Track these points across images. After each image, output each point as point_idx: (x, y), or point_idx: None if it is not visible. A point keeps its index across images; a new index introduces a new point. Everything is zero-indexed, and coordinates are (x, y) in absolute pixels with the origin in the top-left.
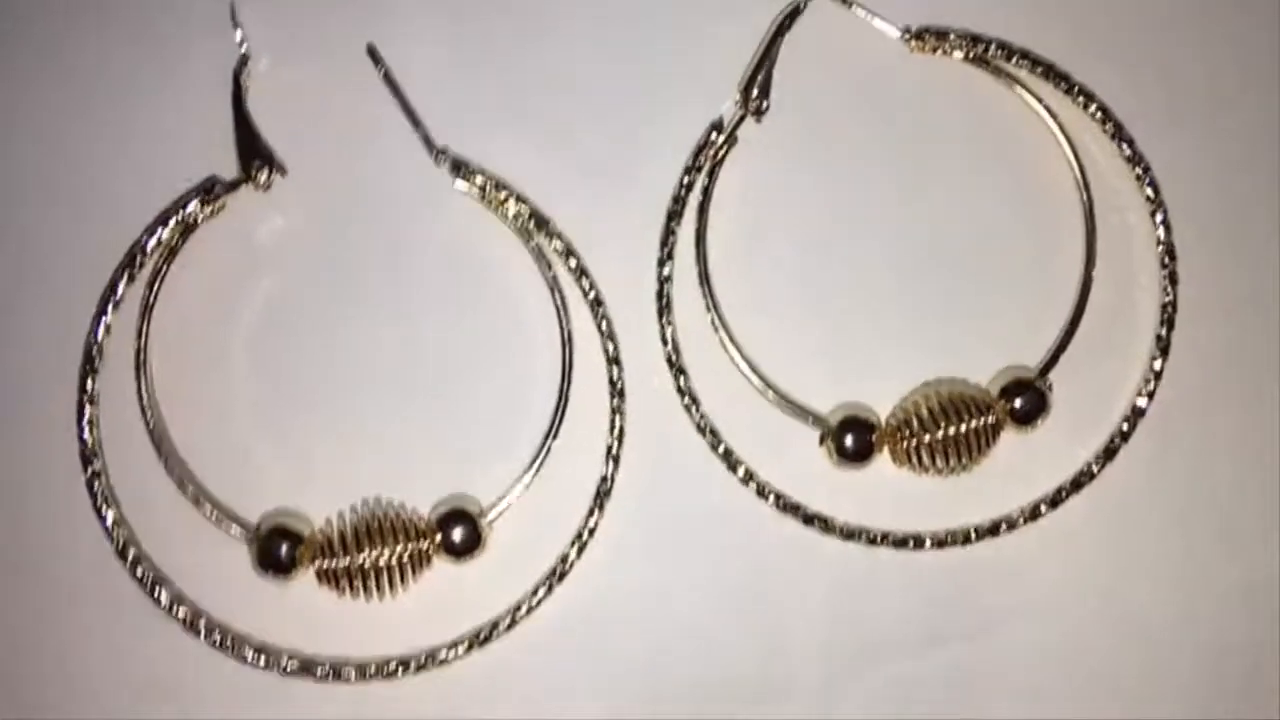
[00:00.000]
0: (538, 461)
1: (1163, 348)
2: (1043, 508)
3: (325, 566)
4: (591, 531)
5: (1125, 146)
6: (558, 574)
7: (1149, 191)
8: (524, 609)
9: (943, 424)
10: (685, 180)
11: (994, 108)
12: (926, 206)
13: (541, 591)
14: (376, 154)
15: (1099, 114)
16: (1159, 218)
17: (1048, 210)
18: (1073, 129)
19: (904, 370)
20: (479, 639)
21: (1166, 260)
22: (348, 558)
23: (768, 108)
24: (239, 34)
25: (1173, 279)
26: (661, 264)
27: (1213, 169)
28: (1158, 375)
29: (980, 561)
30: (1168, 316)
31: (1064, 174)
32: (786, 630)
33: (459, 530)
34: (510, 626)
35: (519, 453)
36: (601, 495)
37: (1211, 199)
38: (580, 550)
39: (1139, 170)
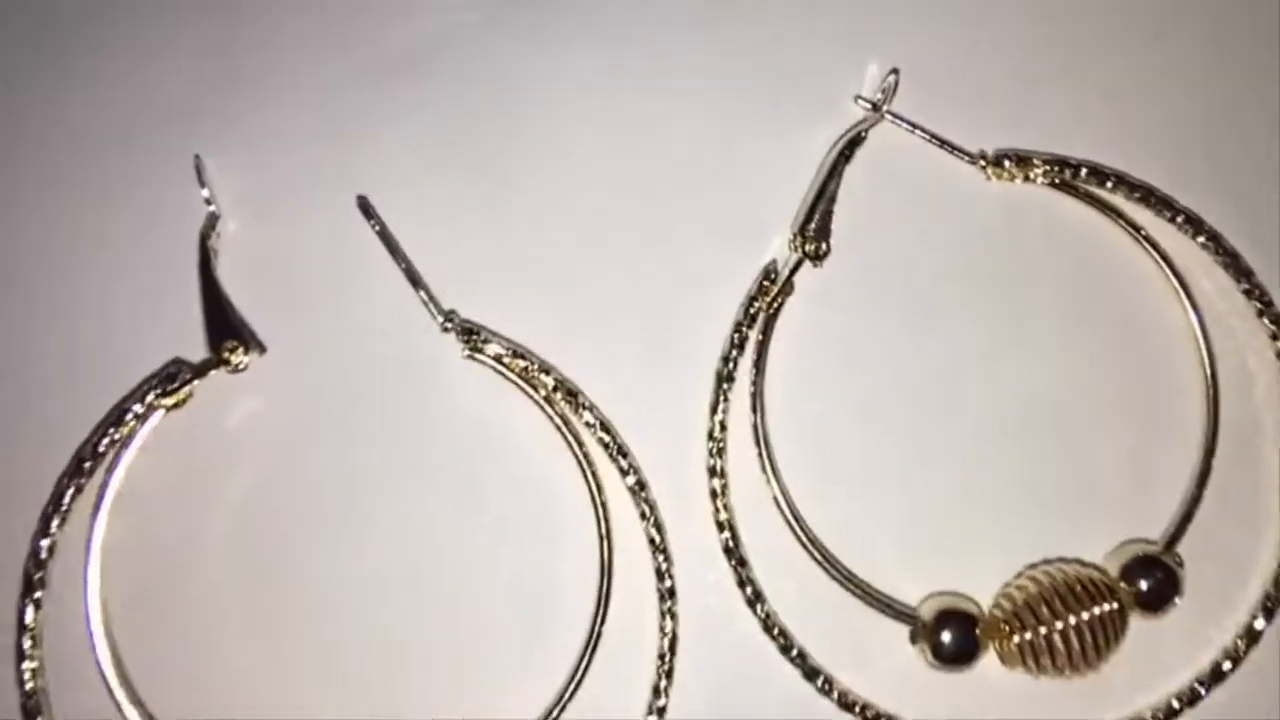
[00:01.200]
0: (573, 683)
1: None
2: (1176, 703)
3: None
4: None
5: (1242, 279)
6: None
7: (1272, 328)
8: None
9: (1062, 613)
10: (736, 337)
11: (1088, 240)
12: (1017, 357)
13: None
14: (370, 322)
15: (1210, 243)
16: None
17: (1157, 356)
18: (1181, 262)
19: (1004, 552)
20: None
21: None
22: None
23: (828, 251)
24: (205, 191)
25: None
26: (712, 436)
27: None
28: None
29: None
30: None
31: (1173, 313)
32: None
33: None
34: None
35: (552, 676)
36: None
37: None
38: None
39: (1259, 305)
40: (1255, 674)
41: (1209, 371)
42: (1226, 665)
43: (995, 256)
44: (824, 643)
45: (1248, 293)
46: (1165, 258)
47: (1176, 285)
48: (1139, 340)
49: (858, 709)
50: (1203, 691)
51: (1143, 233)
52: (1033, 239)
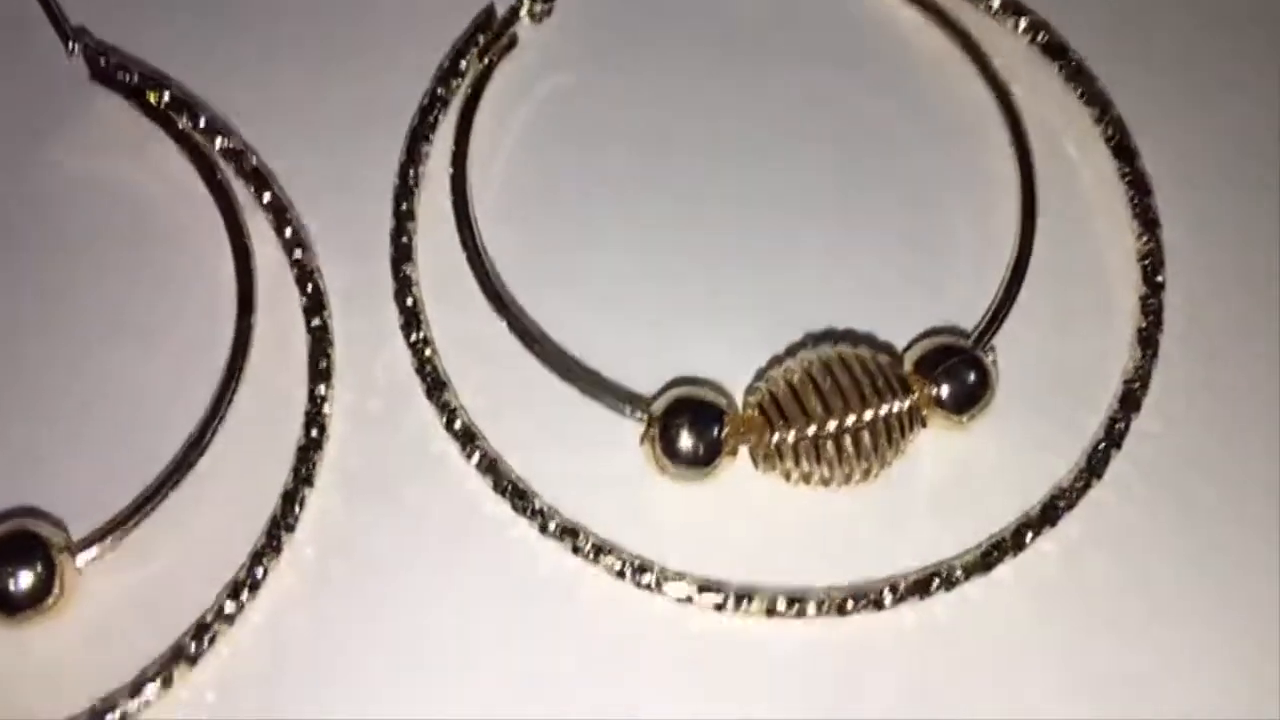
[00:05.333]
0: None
1: (1150, 311)
2: (996, 551)
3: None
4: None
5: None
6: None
7: (1094, 112)
8: None
9: (835, 405)
10: (439, 91)
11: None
12: (794, 112)
13: None
14: None
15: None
16: (1114, 139)
17: (965, 131)
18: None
19: (769, 340)
20: None
21: (1135, 197)
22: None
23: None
24: None
25: (1146, 221)
26: (400, 199)
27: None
28: (1147, 351)
29: (896, 635)
30: (1148, 269)
31: (979, 91)
32: None
33: None
34: None
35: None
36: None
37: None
38: None
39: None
40: (1097, 516)
41: (1021, 148)
42: (1059, 504)
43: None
44: (524, 444)
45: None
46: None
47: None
48: (933, 97)
49: (557, 529)
50: (1027, 538)
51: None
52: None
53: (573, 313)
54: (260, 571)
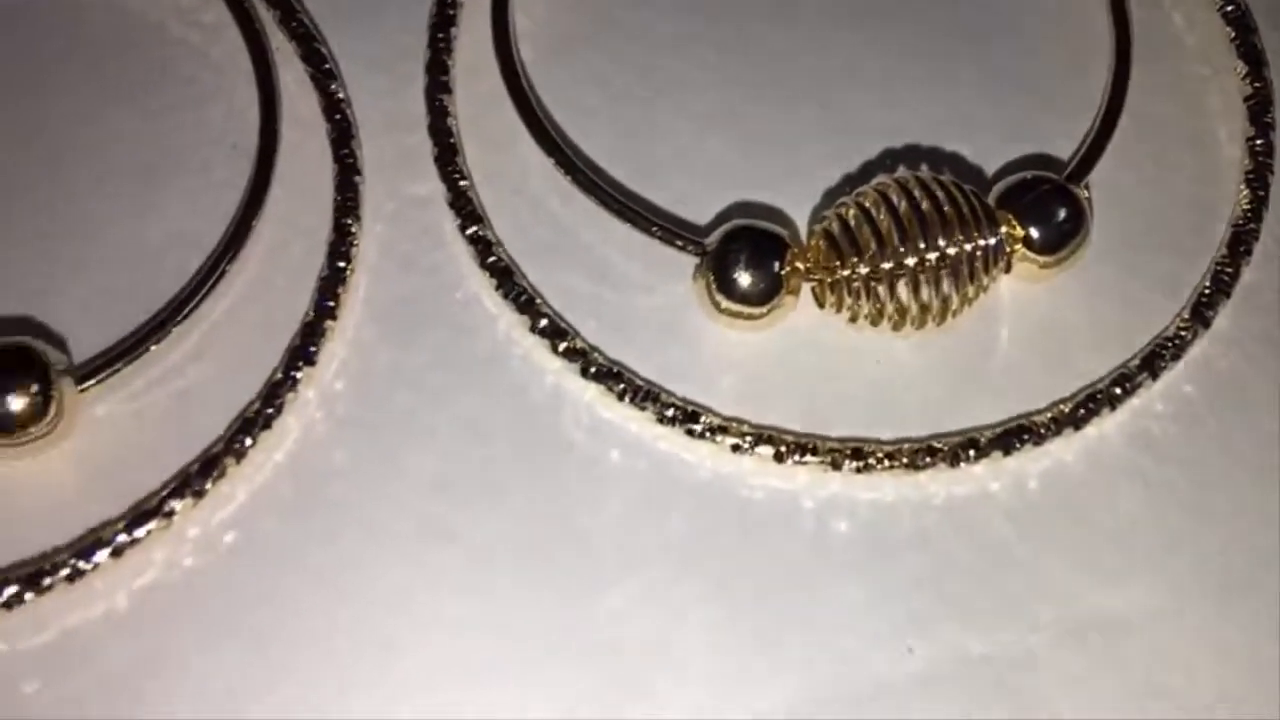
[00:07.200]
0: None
1: (1258, 154)
2: (1090, 404)
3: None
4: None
5: None
6: None
7: None
8: None
9: (913, 234)
10: None
11: None
12: None
13: None
14: None
15: None
16: None
17: None
18: None
19: (841, 164)
20: None
21: (1238, 35)
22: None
23: None
24: None
25: (1252, 59)
26: (437, 28)
27: None
28: (1258, 193)
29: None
30: (1255, 109)
31: None
32: None
33: None
34: None
35: None
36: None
37: None
38: None
39: None
40: (1203, 370)
41: None
42: (1162, 355)
43: None
44: (572, 282)
45: None
46: None
47: None
48: None
49: (598, 371)
50: (1121, 391)
51: None
52: None
53: (621, 142)
54: (277, 404)
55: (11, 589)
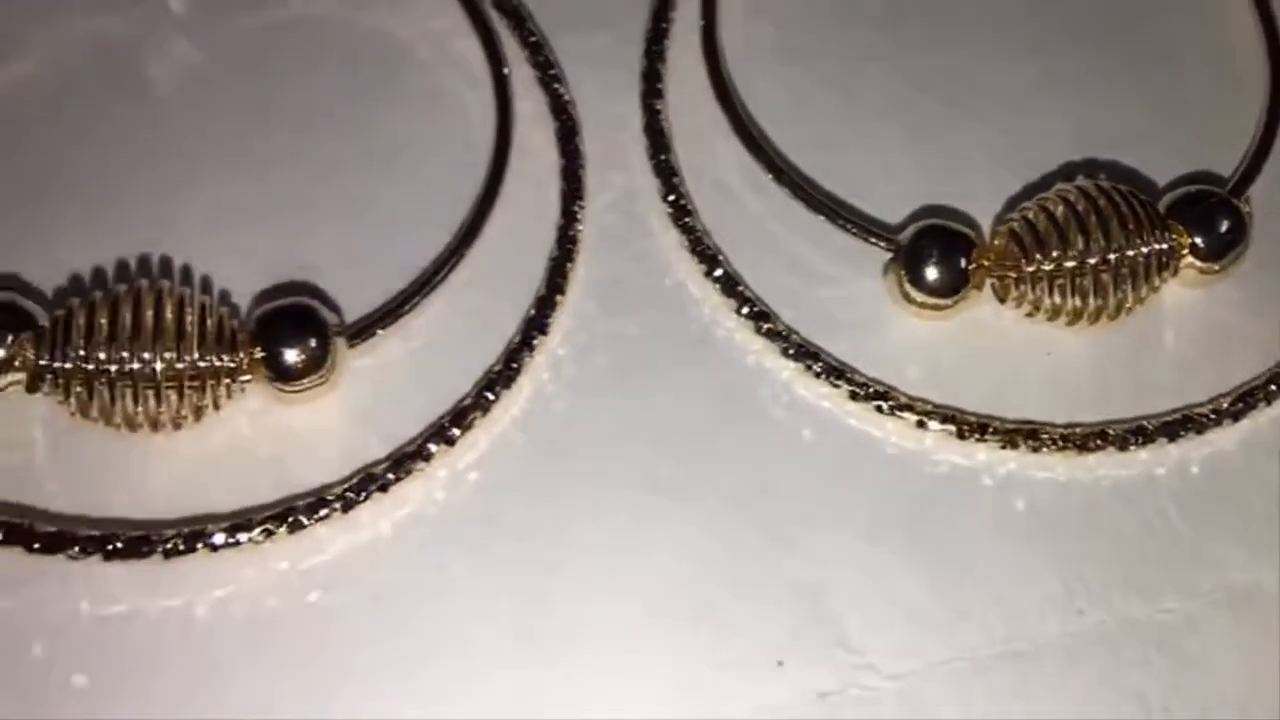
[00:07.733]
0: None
1: None
2: (1248, 399)
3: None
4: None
5: None
6: None
7: None
8: None
9: (1096, 236)
10: None
11: None
12: None
13: None
14: None
15: None
16: None
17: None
18: None
19: (1019, 176)
20: None
21: None
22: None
23: None
24: None
25: None
26: (653, 40)
27: None
28: None
29: (1141, 479)
30: None
31: None
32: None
33: None
34: None
35: None
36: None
37: None
38: None
39: None
40: None
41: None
42: None
43: None
44: (768, 270)
45: None
46: None
47: None
48: None
49: (796, 350)
50: (1275, 388)
51: None
52: None
53: (818, 146)
54: (515, 366)
55: (294, 517)
